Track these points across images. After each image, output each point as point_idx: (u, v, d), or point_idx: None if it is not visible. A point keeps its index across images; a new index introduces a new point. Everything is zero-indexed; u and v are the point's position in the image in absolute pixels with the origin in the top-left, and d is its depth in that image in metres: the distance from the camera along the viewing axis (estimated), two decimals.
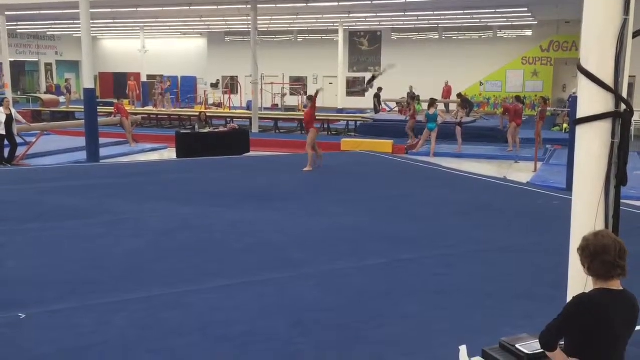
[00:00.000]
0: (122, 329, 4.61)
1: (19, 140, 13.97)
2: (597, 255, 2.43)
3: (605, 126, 2.89)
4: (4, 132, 13.30)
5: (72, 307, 5.00)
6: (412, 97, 21.39)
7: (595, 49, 2.92)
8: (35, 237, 7.09)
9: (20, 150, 13.96)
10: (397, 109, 25.04)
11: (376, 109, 24.86)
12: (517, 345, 3.25)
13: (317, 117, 13.40)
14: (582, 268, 2.80)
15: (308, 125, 12.14)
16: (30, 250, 6.62)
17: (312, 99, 12.08)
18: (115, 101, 19.98)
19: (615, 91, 2.87)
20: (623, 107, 2.92)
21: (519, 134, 16.43)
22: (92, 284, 5.56)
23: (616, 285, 2.47)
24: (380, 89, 25.33)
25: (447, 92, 25.95)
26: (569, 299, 3.03)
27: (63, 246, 6.76)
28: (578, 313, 2.46)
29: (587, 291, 2.52)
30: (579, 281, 2.96)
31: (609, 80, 2.88)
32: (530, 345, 3.17)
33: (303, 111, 12.07)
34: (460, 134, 16.27)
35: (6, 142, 13.47)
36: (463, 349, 3.36)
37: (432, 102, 16.61)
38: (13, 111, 13.78)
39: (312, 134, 12.06)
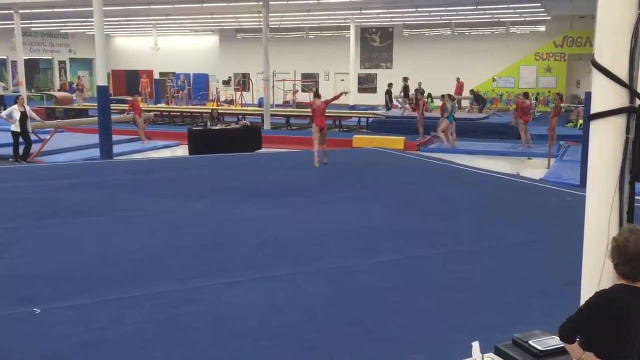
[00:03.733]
0: (136, 324, 4.65)
1: (33, 137, 14.10)
2: (632, 260, 2.39)
3: (619, 121, 2.87)
4: (18, 129, 13.43)
5: (87, 303, 5.06)
6: (421, 93, 21.32)
7: (610, 44, 2.89)
8: (50, 234, 7.17)
9: (35, 148, 14.09)
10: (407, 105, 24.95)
11: (387, 106, 24.80)
12: (530, 342, 3.24)
13: (327, 115, 13.52)
14: (595, 264, 2.79)
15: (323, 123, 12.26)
16: (46, 246, 6.70)
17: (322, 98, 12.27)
18: (130, 98, 20.02)
19: (629, 86, 2.85)
20: (638, 102, 2.90)
21: (529, 130, 16.29)
22: (106, 280, 5.61)
23: (636, 283, 2.44)
24: (390, 85, 25.25)
25: (459, 88, 25.81)
26: (582, 295, 3.02)
27: (78, 242, 6.83)
28: (599, 308, 2.44)
29: (607, 287, 2.50)
30: (592, 278, 2.94)
31: (623, 75, 2.85)
32: (544, 342, 3.16)
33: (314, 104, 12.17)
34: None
35: (21, 139, 13.61)
36: (476, 345, 3.35)
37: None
38: (27, 108, 13.91)
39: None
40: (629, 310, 2.42)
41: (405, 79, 24.63)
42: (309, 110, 14.07)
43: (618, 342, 2.45)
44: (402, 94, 24.51)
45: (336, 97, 12.94)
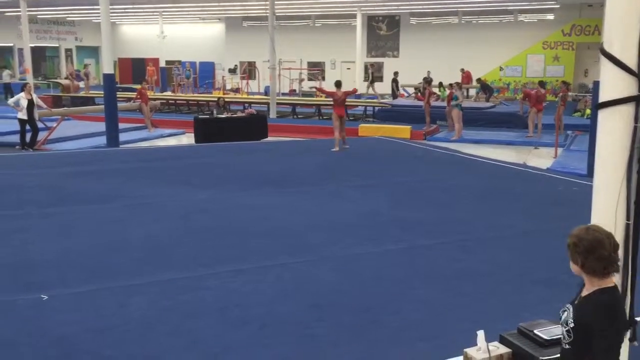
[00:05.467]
0: (142, 311, 4.68)
1: (40, 125, 14.14)
2: (592, 250, 2.32)
3: (628, 110, 2.85)
4: (25, 117, 13.48)
5: (94, 289, 5.09)
6: (428, 82, 21.28)
7: (619, 32, 2.86)
8: (57, 221, 7.20)
9: (42, 135, 14.14)
10: (413, 94, 24.92)
11: (394, 94, 24.73)
12: (535, 331, 3.25)
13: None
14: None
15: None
16: (52, 233, 6.73)
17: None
18: (139, 86, 19.97)
19: (638, 75, 2.82)
20: None
21: (541, 119, 16.21)
22: (112, 267, 5.64)
23: (612, 282, 2.38)
24: (396, 74, 25.16)
25: (466, 77, 25.67)
26: None
27: (84, 230, 6.86)
28: (618, 319, 2.34)
29: (590, 294, 2.40)
30: None
31: (632, 64, 2.83)
32: (549, 331, 3.16)
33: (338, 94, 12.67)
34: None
35: (28, 127, 13.65)
36: (481, 334, 3.35)
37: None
38: (34, 96, 13.94)
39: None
40: (622, 314, 2.37)
41: (372, 65, 25.71)
42: (315, 99, 14.22)
43: (616, 347, 2.36)
44: (369, 81, 25.49)
45: (354, 91, 13.66)
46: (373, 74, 27.07)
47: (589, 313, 2.34)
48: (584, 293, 2.43)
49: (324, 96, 15.91)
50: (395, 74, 25.17)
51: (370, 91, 25.98)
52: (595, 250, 2.31)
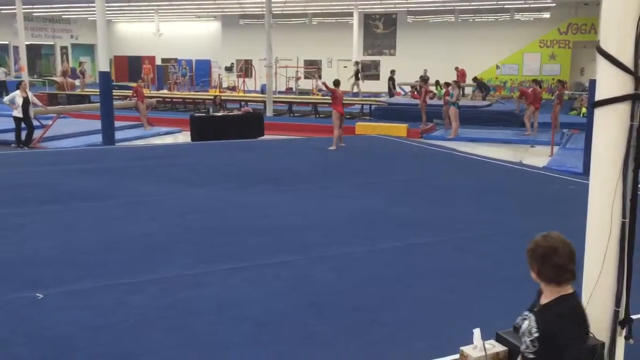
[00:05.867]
0: (140, 309, 4.68)
1: (35, 123, 14.10)
2: (546, 257, 2.35)
3: (624, 109, 2.85)
4: (20, 115, 13.44)
5: (91, 287, 5.08)
6: (425, 80, 21.29)
7: (615, 30, 2.87)
8: (54, 219, 7.19)
9: (37, 133, 14.10)
10: (410, 92, 24.95)
11: (390, 93, 24.74)
12: None
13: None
14: (598, 253, 2.79)
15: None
16: (49, 231, 6.72)
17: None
18: (135, 84, 19.91)
19: (634, 73, 2.83)
20: None
21: (537, 118, 16.26)
22: (109, 265, 5.63)
23: (570, 289, 2.40)
24: (393, 72, 25.16)
25: (461, 75, 25.69)
26: (584, 283, 3.02)
27: (80, 228, 6.85)
28: (579, 328, 2.35)
29: (550, 302, 2.43)
30: (594, 267, 2.94)
31: (628, 62, 2.83)
32: None
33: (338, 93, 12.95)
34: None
35: (23, 125, 13.61)
36: (477, 332, 3.36)
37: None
38: (29, 94, 13.90)
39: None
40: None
41: (357, 63, 25.94)
42: (312, 97, 14.26)
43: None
44: (354, 77, 26.28)
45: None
46: (358, 71, 27.26)
47: (552, 322, 2.34)
48: (543, 301, 2.44)
49: (321, 95, 15.93)
50: (392, 72, 25.17)
51: (355, 89, 26.05)
52: (549, 258, 2.35)
